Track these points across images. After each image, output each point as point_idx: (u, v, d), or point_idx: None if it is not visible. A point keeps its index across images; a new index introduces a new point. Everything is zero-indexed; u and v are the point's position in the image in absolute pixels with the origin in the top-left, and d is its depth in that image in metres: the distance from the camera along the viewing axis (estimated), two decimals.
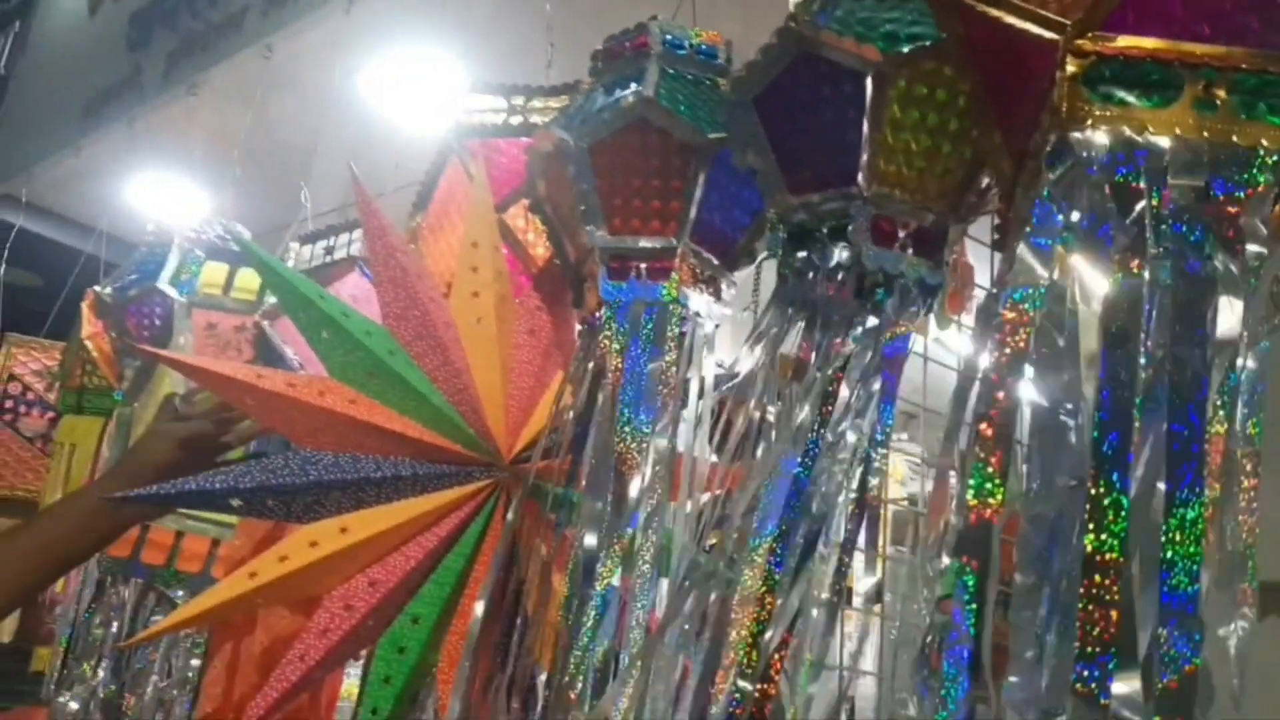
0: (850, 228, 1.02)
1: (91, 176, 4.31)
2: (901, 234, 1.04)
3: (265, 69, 3.04)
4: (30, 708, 2.87)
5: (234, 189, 2.69)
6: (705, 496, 1.22)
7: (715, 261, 1.33)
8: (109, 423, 2.73)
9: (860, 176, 1.03)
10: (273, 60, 3.03)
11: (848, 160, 1.04)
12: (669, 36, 1.39)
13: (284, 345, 1.73)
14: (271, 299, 1.91)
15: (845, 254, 1.04)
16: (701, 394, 1.26)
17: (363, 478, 1.29)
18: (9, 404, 3.60)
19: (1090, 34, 0.81)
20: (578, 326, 1.45)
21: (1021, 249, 0.71)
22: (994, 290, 0.71)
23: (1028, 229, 0.72)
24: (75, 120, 4.39)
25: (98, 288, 2.59)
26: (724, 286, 1.35)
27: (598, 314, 1.29)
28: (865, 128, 1.02)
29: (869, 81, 0.99)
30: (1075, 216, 0.71)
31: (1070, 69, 0.78)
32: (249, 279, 2.28)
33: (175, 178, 3.81)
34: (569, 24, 2.13)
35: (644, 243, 1.28)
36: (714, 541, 1.14)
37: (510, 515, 1.28)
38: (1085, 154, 0.72)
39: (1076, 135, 0.73)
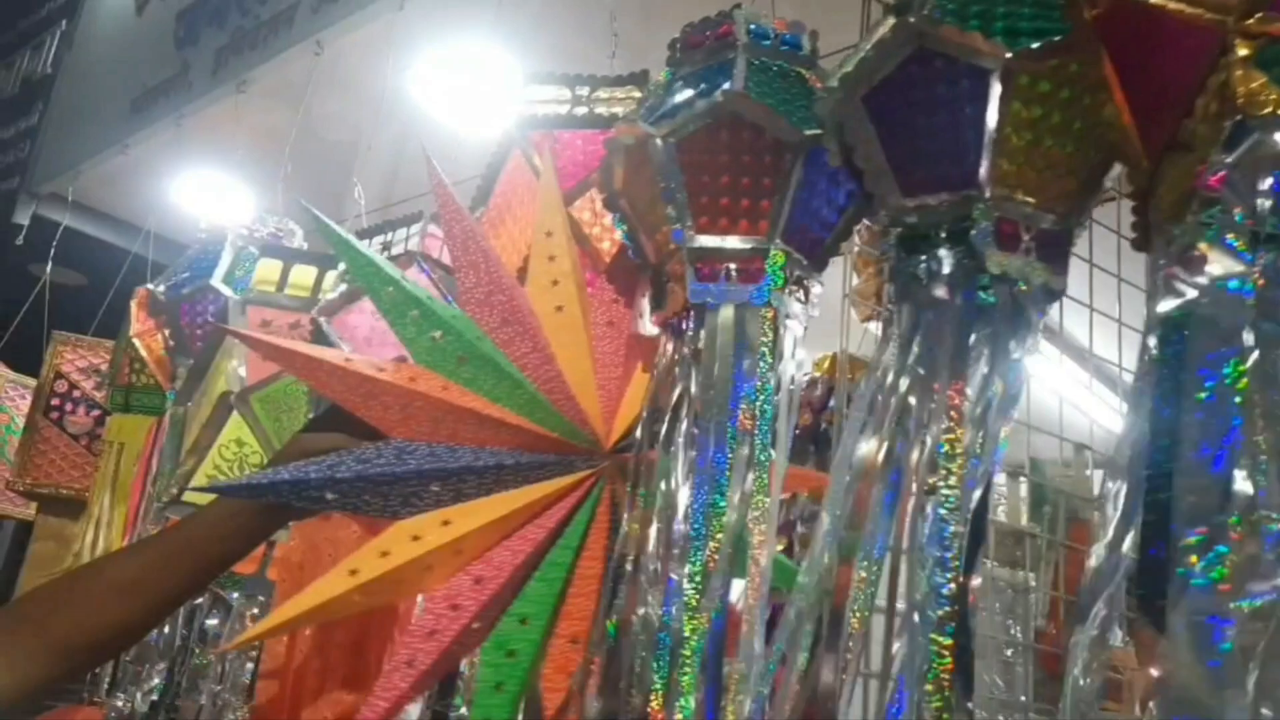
0: (972, 231, 0.96)
1: (138, 174, 4.31)
2: (1025, 237, 0.98)
3: (315, 65, 3.01)
4: (74, 706, 2.86)
5: (283, 186, 2.66)
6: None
7: (804, 262, 1.28)
8: (158, 422, 2.72)
9: (981, 177, 0.97)
10: (323, 57, 3.00)
11: (966, 160, 0.98)
12: (753, 26, 1.33)
13: (341, 342, 1.69)
14: (329, 294, 1.87)
15: (966, 259, 0.98)
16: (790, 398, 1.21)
17: (464, 466, 1.23)
18: (56, 402, 3.61)
19: (1257, 14, 0.75)
20: (654, 329, 1.40)
21: (1206, 248, 0.65)
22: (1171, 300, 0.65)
23: (1206, 226, 0.66)
24: (122, 118, 4.40)
25: (150, 285, 2.58)
26: (812, 288, 1.29)
27: (683, 315, 1.24)
28: (987, 127, 0.96)
29: (995, 79, 0.93)
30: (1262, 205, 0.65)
31: (1242, 52, 0.71)
32: (303, 275, 2.26)
33: (222, 176, 3.79)
34: (630, 18, 2.08)
35: (734, 243, 1.23)
36: (782, 546, 1.09)
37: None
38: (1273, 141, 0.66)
39: (1260, 123, 0.67)
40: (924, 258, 1.01)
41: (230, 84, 3.50)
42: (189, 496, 2.10)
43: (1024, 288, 0.97)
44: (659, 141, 1.24)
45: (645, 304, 1.53)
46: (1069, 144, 0.97)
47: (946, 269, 1.00)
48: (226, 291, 2.37)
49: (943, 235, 1.00)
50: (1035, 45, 0.93)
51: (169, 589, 1.13)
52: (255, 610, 1.86)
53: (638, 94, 1.66)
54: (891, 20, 1.16)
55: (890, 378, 1.04)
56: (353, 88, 3.39)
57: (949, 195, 1.00)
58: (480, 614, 1.21)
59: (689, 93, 1.29)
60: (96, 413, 3.53)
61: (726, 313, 1.20)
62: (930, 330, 1.01)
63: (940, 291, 1.00)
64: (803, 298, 1.28)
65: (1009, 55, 0.93)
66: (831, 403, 1.90)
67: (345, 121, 3.45)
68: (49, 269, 4.40)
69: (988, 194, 0.97)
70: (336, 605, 1.17)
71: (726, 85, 1.23)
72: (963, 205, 0.98)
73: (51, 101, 5.45)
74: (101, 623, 1.07)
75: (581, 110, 1.65)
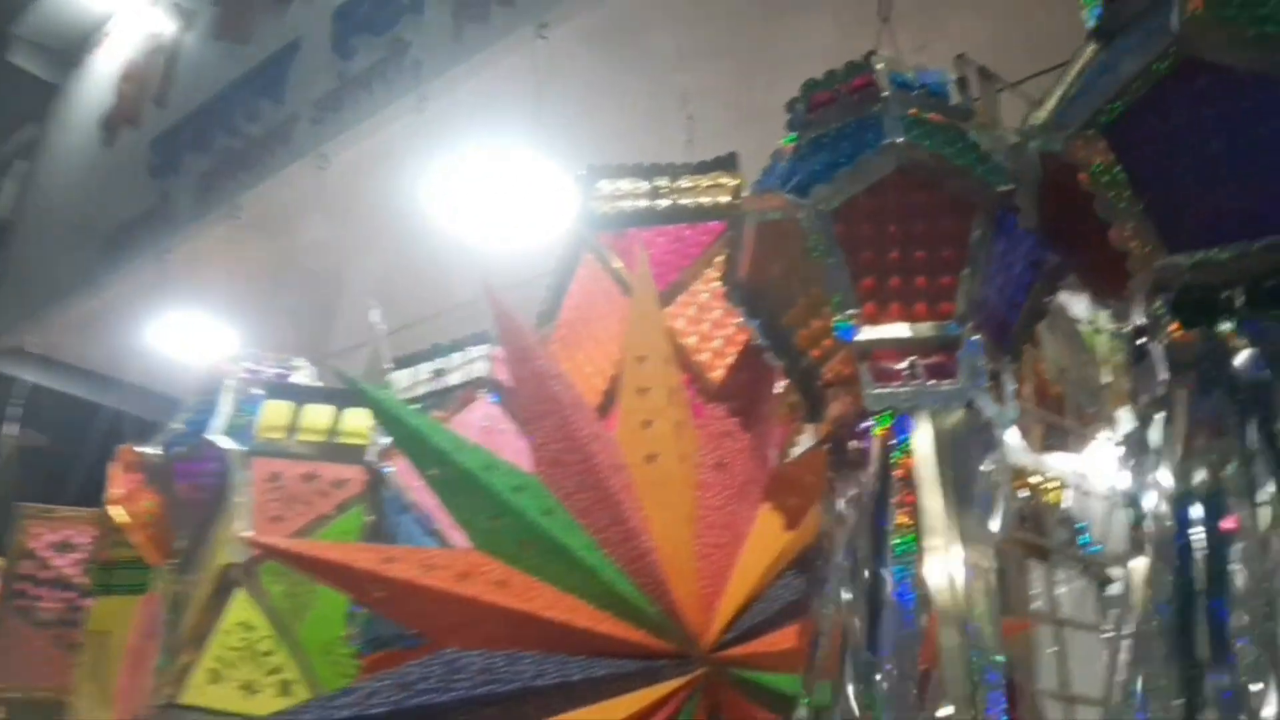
0: None
1: (112, 319, 4.19)
2: None
3: (322, 181, 2.91)
4: None
5: (288, 320, 2.52)
6: None
7: (997, 351, 1.10)
8: (144, 603, 2.52)
9: None
10: (330, 171, 2.90)
11: (1261, 199, 0.82)
12: (895, 75, 1.20)
13: (405, 493, 1.51)
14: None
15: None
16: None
17: (523, 688, 1.09)
18: (21, 587, 3.37)
19: None
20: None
21: None
22: None
23: None
24: (94, 258, 4.31)
25: (137, 446, 2.41)
26: (1007, 383, 1.12)
27: (862, 425, 1.06)
28: None
29: None
30: None
31: None
32: (316, 417, 2.08)
33: (206, 315, 3.69)
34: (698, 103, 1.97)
35: (917, 330, 1.05)
36: None
37: None
38: None
39: None
40: (1216, 328, 0.83)
41: (220, 210, 3.41)
42: (191, 697, 1.88)
43: None
44: (807, 213, 1.08)
45: (768, 430, 1.36)
46: None
47: (1248, 340, 0.82)
48: (227, 444, 2.20)
49: (1239, 297, 0.82)
50: None
51: None
52: None
53: (728, 180, 1.52)
54: (1093, 47, 1.03)
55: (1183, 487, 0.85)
56: (353, 205, 3.30)
57: (1243, 245, 0.82)
58: None
59: (834, 156, 1.14)
60: (71, 594, 3.30)
61: (924, 422, 1.01)
62: (1243, 420, 0.82)
63: (1246, 370, 0.82)
64: (997, 395, 1.10)
65: None
66: None
67: (342, 243, 3.35)
68: (3, 430, 4.22)
69: None
70: None
71: (886, 140, 1.07)
72: (1267, 257, 0.81)
73: (12, 248, 5.40)
74: None
75: (664, 202, 1.50)
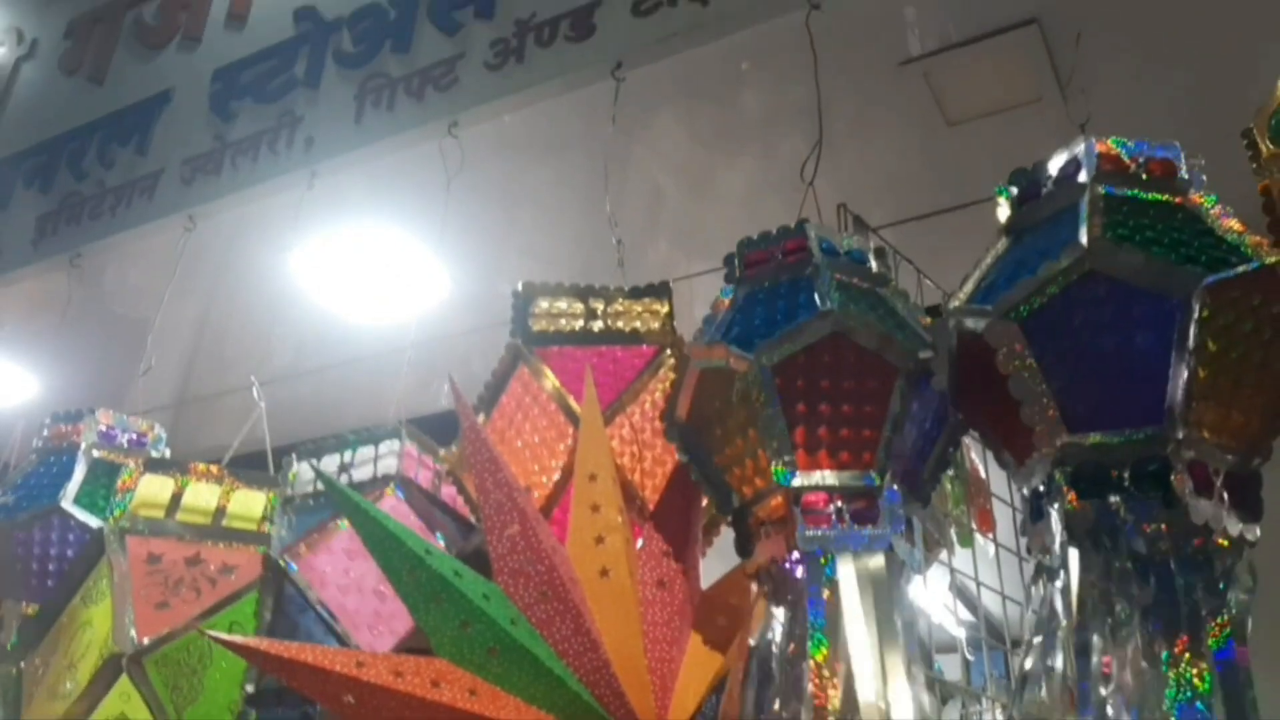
0: (1173, 474, 1.00)
1: None
2: (1216, 482, 1.02)
3: (178, 238, 2.91)
4: None
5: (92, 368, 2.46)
6: None
7: (910, 498, 1.29)
8: None
9: (1174, 414, 1.01)
10: (194, 233, 2.90)
11: (1147, 395, 1.03)
12: (824, 240, 1.39)
13: (308, 591, 1.56)
14: (278, 528, 1.74)
15: (1159, 505, 1.01)
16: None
17: None
18: None
19: None
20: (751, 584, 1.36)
21: None
22: None
23: None
24: None
25: None
26: (916, 527, 1.30)
27: (788, 560, 1.22)
28: (1174, 360, 1.02)
29: (1192, 308, 1.00)
30: None
31: None
32: (201, 496, 2.08)
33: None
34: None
35: (843, 479, 1.23)
36: None
37: None
38: None
39: None
40: (1106, 499, 1.04)
41: (59, 257, 3.32)
42: None
43: (1224, 540, 1.02)
44: (752, 365, 1.24)
45: (696, 551, 1.50)
46: (1254, 379, 1.04)
47: (1130, 516, 1.03)
48: (85, 517, 2.16)
49: (1126, 477, 1.03)
50: (1233, 276, 1.00)
51: None
52: None
53: (660, 307, 1.67)
54: (1004, 241, 1.25)
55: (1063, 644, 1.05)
56: (206, 264, 3.31)
57: (1132, 433, 1.04)
58: None
59: (770, 312, 1.31)
60: None
61: (847, 566, 1.18)
62: (1118, 585, 1.03)
63: (1128, 542, 1.03)
64: (909, 539, 1.28)
65: (1205, 286, 1.00)
66: None
67: (180, 301, 3.32)
68: None
69: (1180, 433, 1.02)
70: None
71: (828, 305, 1.25)
72: (1151, 445, 1.03)
73: None
74: None
75: (598, 325, 1.64)
